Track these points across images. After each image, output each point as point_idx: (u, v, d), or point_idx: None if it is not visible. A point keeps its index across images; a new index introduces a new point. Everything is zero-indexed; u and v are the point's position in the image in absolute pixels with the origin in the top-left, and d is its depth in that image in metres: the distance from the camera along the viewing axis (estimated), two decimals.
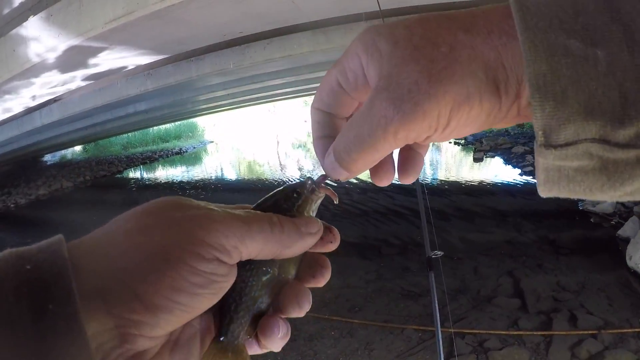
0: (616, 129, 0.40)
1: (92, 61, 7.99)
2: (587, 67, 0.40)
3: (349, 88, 0.53)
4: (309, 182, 0.61)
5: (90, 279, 0.43)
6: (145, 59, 8.96)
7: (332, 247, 0.63)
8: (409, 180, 0.59)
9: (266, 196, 0.61)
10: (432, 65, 0.45)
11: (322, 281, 0.63)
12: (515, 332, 5.12)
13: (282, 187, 0.62)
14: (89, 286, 0.42)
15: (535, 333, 5.08)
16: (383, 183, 0.59)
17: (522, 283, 6.20)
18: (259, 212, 0.55)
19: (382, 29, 0.49)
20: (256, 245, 0.52)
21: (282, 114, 48.00)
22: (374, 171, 0.58)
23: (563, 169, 0.44)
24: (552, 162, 0.44)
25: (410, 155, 0.57)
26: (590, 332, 4.99)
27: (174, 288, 0.45)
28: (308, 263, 0.62)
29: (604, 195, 0.44)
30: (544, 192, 0.47)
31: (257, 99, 19.82)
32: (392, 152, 0.55)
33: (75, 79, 9.09)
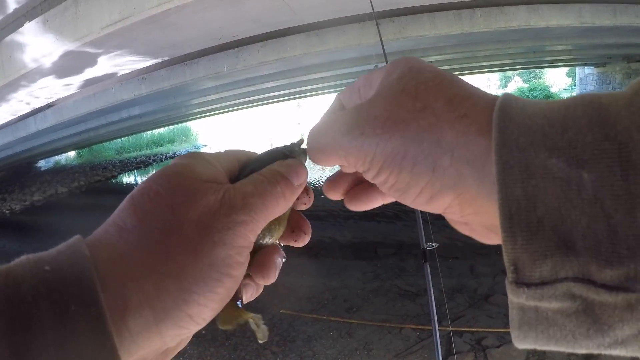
0: (602, 269, 0.33)
1: (88, 66, 8.00)
2: (569, 192, 0.35)
3: (363, 94, 0.53)
4: (297, 147, 0.63)
5: (113, 278, 0.40)
6: (141, 64, 8.97)
7: (306, 207, 0.62)
8: (352, 207, 0.59)
9: (257, 157, 0.63)
10: (398, 111, 0.44)
11: (302, 241, 0.63)
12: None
13: (270, 149, 0.65)
14: (113, 285, 0.40)
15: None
16: (331, 194, 0.60)
17: None
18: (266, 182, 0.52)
19: (414, 63, 0.48)
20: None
21: (275, 116, 48.01)
22: (334, 180, 0.60)
23: (541, 311, 0.37)
24: (526, 302, 0.37)
25: (367, 192, 0.57)
26: None
27: (199, 293, 0.43)
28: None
29: (590, 343, 0.36)
30: (518, 340, 0.39)
31: (251, 101, 19.81)
32: (356, 175, 0.57)
33: (71, 84, 9.09)
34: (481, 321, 5.35)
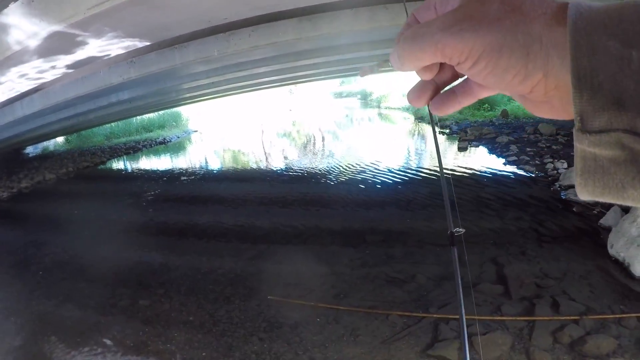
0: None
1: (74, 48, 7.90)
2: (622, 64, 0.46)
3: (439, 9, 0.63)
4: None
5: None
6: (129, 46, 8.88)
7: None
8: (436, 112, 0.71)
9: None
10: (490, 12, 0.55)
11: None
12: (499, 318, 5.16)
13: None
14: None
15: (518, 318, 5.12)
16: (416, 102, 0.71)
17: (506, 270, 6.25)
18: None
19: None
20: None
21: (267, 102, 47.89)
22: (417, 88, 0.71)
23: (598, 159, 0.49)
24: (587, 147, 0.49)
25: (451, 97, 0.70)
26: (572, 317, 5.05)
27: None
28: None
29: (635, 193, 0.48)
30: (580, 187, 0.52)
31: (242, 87, 19.73)
32: (435, 83, 0.70)
33: (57, 67, 8.99)
34: (468, 309, 5.35)
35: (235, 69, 12.77)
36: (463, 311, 1.21)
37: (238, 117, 40.41)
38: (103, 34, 7.52)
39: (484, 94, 0.69)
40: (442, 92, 0.70)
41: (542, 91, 0.56)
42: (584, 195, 0.52)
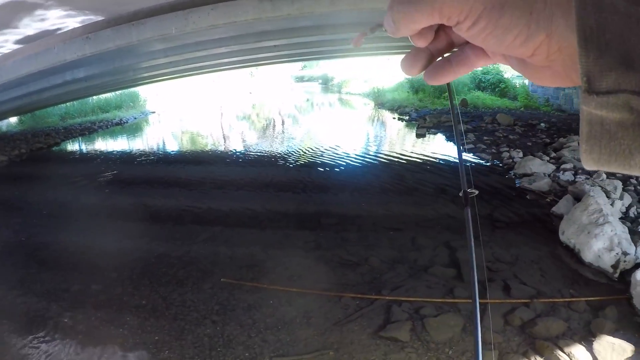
0: None
1: (25, 20, 7.69)
2: (630, 23, 0.44)
3: None
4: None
5: None
6: (84, 20, 8.67)
7: None
8: (430, 81, 0.68)
9: None
10: None
11: None
12: (451, 300, 5.21)
13: None
14: None
15: (470, 301, 5.16)
16: (409, 70, 0.68)
17: (459, 254, 6.32)
18: None
19: None
20: None
21: (227, 84, 47.50)
22: (411, 56, 0.67)
23: (605, 123, 0.46)
24: (594, 110, 0.46)
25: (447, 66, 0.68)
26: (523, 300, 5.14)
27: None
28: None
29: None
30: (586, 154, 0.49)
31: (201, 67, 19.49)
32: (430, 52, 0.67)
33: (7, 42, 8.74)
34: (420, 291, 5.40)
35: (194, 49, 12.61)
36: (475, 277, 1.22)
37: (197, 98, 40.03)
38: (55, 5, 7.33)
39: (480, 63, 0.67)
40: (436, 61, 0.68)
41: (545, 54, 0.54)
42: (590, 164, 0.50)
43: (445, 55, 0.68)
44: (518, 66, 0.60)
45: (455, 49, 0.68)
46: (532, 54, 0.55)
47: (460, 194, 1.21)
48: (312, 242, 7.08)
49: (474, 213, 1.06)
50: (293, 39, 13.12)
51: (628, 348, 4.27)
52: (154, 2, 8.30)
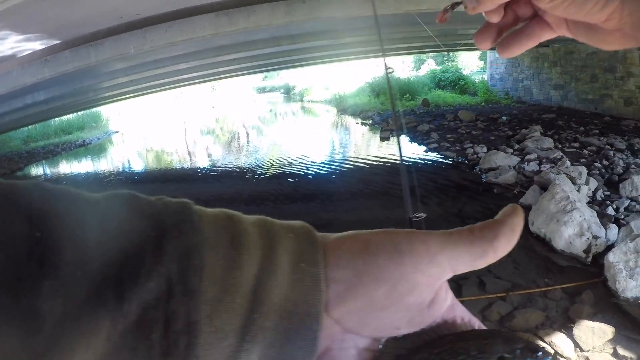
0: None
1: None
2: None
3: None
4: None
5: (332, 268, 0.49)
6: (42, 44, 8.59)
7: None
8: (503, 53, 0.71)
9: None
10: None
11: None
12: None
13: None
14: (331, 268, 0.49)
15: None
16: (482, 44, 0.71)
17: None
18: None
19: None
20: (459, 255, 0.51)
21: (189, 99, 47.20)
22: (482, 31, 0.70)
23: None
24: None
25: (516, 38, 0.69)
26: (499, 295, 5.19)
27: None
28: None
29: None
30: None
31: (163, 84, 19.39)
32: (498, 26, 0.69)
33: None
34: None
35: (154, 66, 12.56)
36: None
37: (160, 115, 39.71)
38: (10, 31, 7.26)
39: (545, 36, 0.69)
40: (505, 35, 0.70)
41: (618, 18, 0.57)
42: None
43: (512, 29, 0.71)
44: (585, 34, 0.63)
45: (521, 24, 0.70)
46: (606, 18, 0.58)
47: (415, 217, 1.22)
48: None
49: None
50: (252, 51, 13.12)
51: (608, 330, 4.34)
52: (111, 22, 8.24)
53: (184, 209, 0.47)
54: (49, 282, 0.38)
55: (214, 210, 0.51)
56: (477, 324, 0.54)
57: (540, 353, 0.48)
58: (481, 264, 0.51)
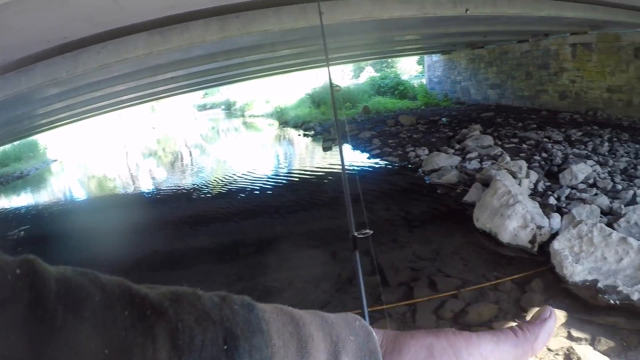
0: None
1: None
2: None
3: None
4: None
5: None
6: None
7: None
8: None
9: None
10: None
11: None
12: (380, 307, 5.25)
13: None
14: None
15: (399, 304, 5.24)
16: None
17: (380, 260, 6.36)
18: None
19: None
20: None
21: (129, 121, 46.53)
22: None
23: None
24: None
25: None
26: (450, 293, 5.25)
27: None
28: None
29: None
30: None
31: (100, 108, 19.06)
32: None
33: None
34: (348, 304, 5.41)
35: (89, 89, 12.30)
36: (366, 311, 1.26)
37: (100, 140, 39.02)
38: None
39: None
40: None
41: None
42: None
43: None
44: None
45: None
46: None
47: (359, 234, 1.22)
48: (233, 275, 6.94)
49: (368, 254, 1.10)
50: (189, 69, 13.00)
51: (560, 315, 4.45)
52: (37, 48, 8.04)
53: (252, 316, 0.49)
54: None
55: (276, 310, 0.53)
56: None
57: None
58: None
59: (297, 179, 12.96)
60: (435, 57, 27.04)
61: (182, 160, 22.64)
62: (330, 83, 4.26)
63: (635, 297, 4.64)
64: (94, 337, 0.37)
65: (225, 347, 0.43)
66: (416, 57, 37.94)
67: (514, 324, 2.63)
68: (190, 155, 24.36)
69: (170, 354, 0.40)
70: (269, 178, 13.44)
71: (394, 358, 0.53)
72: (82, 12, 6.67)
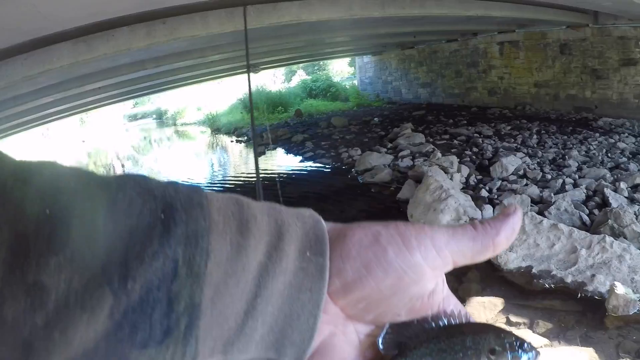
0: None
1: None
2: None
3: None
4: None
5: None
6: None
7: None
8: None
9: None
10: None
11: None
12: None
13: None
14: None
15: None
16: None
17: None
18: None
19: None
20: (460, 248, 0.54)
21: (57, 136, 45.30)
22: None
23: None
24: None
25: None
26: None
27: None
28: None
29: None
30: None
31: (27, 122, 18.47)
32: None
33: None
34: None
35: (13, 104, 11.91)
36: None
37: (27, 156, 37.75)
38: None
39: None
40: None
41: None
42: None
43: None
44: None
45: None
46: None
47: None
48: None
49: None
50: (117, 77, 12.76)
51: (498, 302, 4.58)
52: None
53: (194, 194, 0.48)
54: (55, 259, 0.40)
55: (224, 196, 0.52)
56: (469, 317, 0.58)
57: (525, 346, 0.53)
58: (481, 258, 0.56)
59: (230, 186, 12.88)
60: (367, 59, 27.32)
61: (114, 174, 22.18)
62: (250, 89, 4.25)
63: (569, 279, 4.83)
64: (37, 201, 0.41)
65: (162, 216, 0.44)
66: (347, 59, 38.20)
67: None
68: (123, 167, 23.91)
69: (107, 219, 0.42)
70: (204, 187, 13.31)
71: (338, 243, 0.52)
72: (2, 22, 6.47)
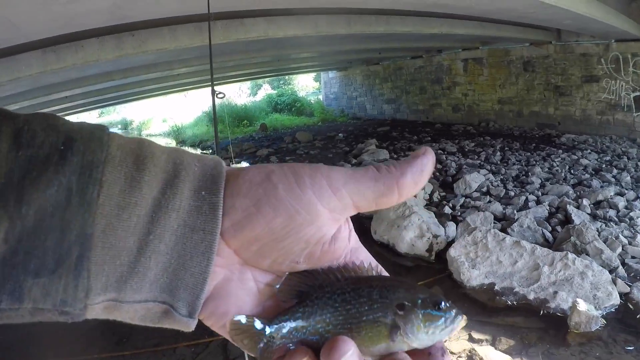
0: None
1: None
2: None
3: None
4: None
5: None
6: None
7: None
8: None
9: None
10: None
11: None
12: None
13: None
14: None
15: None
16: None
17: None
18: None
19: None
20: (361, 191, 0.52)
21: None
22: None
23: None
24: None
25: None
26: None
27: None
28: None
29: None
30: None
31: None
32: None
33: None
34: None
35: None
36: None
37: None
38: None
39: None
40: None
41: None
42: None
43: None
44: None
45: None
46: None
47: None
48: None
49: None
50: (84, 87, 12.68)
51: None
52: None
53: (97, 130, 0.48)
54: None
55: (129, 137, 0.51)
56: (382, 271, 0.56)
57: (442, 306, 0.51)
58: (385, 202, 0.53)
59: None
60: (332, 74, 27.40)
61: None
62: (214, 103, 4.25)
63: (531, 296, 4.93)
64: None
65: (62, 147, 0.45)
66: (313, 74, 38.26)
67: None
68: None
69: (10, 147, 0.43)
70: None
71: (231, 182, 0.51)
72: None
